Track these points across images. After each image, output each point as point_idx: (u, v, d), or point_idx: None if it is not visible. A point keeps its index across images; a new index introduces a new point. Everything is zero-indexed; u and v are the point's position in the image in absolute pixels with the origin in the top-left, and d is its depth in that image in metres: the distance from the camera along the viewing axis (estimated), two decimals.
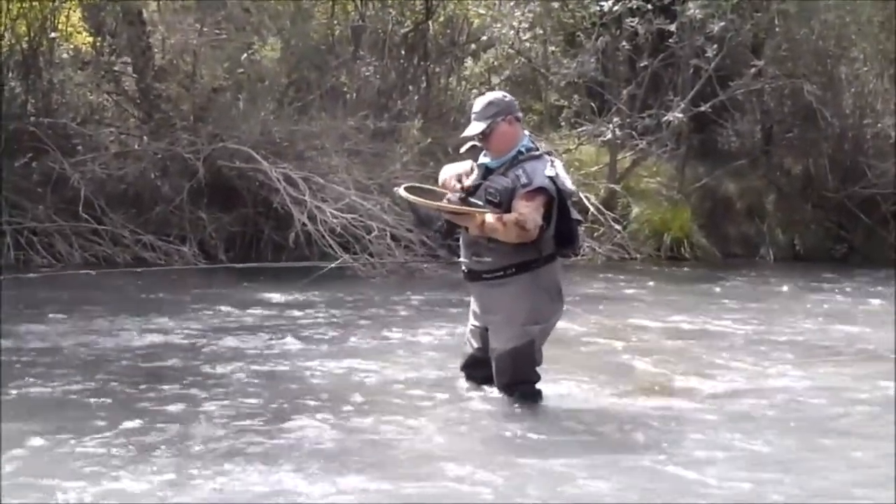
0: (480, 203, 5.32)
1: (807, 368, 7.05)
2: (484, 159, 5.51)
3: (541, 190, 5.27)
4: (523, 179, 5.28)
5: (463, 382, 5.83)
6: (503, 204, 5.29)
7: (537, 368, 5.58)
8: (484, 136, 5.43)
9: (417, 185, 5.96)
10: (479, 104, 5.50)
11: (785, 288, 11.80)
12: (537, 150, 5.46)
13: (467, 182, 5.46)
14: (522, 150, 5.42)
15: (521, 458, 4.78)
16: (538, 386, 5.61)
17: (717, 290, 11.54)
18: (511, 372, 5.50)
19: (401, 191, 5.53)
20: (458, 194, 5.36)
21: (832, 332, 8.75)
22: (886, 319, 9.29)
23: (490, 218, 5.26)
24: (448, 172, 5.64)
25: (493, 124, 5.39)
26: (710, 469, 4.67)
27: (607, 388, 6.17)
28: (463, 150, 5.67)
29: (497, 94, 5.66)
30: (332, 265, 6.19)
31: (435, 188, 5.71)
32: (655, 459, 4.79)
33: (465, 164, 5.61)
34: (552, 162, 5.39)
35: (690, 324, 8.91)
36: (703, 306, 10.04)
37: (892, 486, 4.43)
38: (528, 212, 5.22)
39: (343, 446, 4.86)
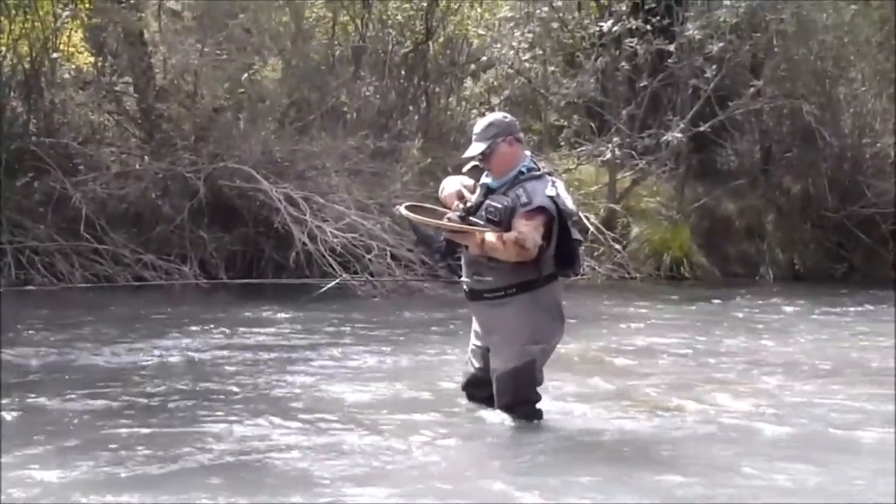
0: (481, 222, 5.34)
1: (805, 387, 7.06)
2: (486, 179, 5.53)
3: (541, 209, 5.29)
4: (523, 199, 5.30)
5: (464, 402, 5.83)
6: (503, 223, 5.30)
7: (538, 388, 5.58)
8: (484, 156, 5.45)
9: (418, 203, 5.99)
10: (479, 125, 5.53)
11: (786, 308, 11.80)
12: (538, 170, 5.48)
13: (469, 201, 5.48)
14: (523, 170, 5.44)
15: (521, 476, 4.79)
16: (539, 405, 5.61)
17: (718, 309, 11.55)
18: (512, 392, 5.50)
19: (401, 209, 5.56)
20: (458, 213, 5.39)
21: (830, 352, 8.76)
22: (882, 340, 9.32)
23: (490, 236, 5.28)
24: (450, 185, 5.65)
25: (493, 145, 5.42)
26: (710, 487, 4.68)
27: (608, 408, 6.17)
28: (465, 170, 5.70)
29: (497, 116, 5.68)
30: (331, 283, 6.18)
31: (436, 207, 5.74)
32: (656, 478, 4.79)
33: (467, 180, 5.63)
34: (553, 182, 5.41)
35: (690, 343, 8.91)
36: (703, 326, 10.05)
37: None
38: (528, 231, 5.24)
39: (338, 465, 4.87)
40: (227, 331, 8.63)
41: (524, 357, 5.45)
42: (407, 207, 5.57)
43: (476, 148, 5.45)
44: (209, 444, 5.11)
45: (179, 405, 5.95)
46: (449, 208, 5.52)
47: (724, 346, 8.80)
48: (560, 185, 5.45)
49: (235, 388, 6.42)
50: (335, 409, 5.98)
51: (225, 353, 7.63)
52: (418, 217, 5.51)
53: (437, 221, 5.44)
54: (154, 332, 8.46)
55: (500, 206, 5.33)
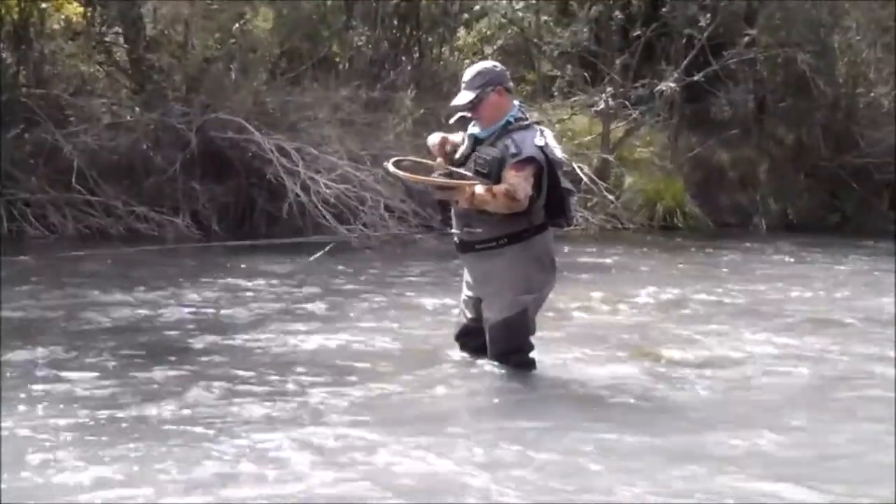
0: (470, 174, 5.33)
1: (793, 337, 7.10)
2: (473, 129, 5.51)
3: (530, 160, 5.28)
4: (512, 149, 5.29)
5: (457, 352, 5.86)
6: (493, 175, 5.29)
7: (531, 338, 5.61)
8: (472, 105, 5.42)
9: (407, 158, 5.94)
10: (468, 74, 5.51)
11: (776, 257, 11.84)
12: (526, 119, 5.46)
13: (457, 154, 5.47)
14: (511, 119, 5.42)
15: (513, 424, 4.83)
16: (532, 355, 5.64)
17: (710, 259, 11.57)
18: (504, 341, 5.52)
19: (389, 166, 5.53)
20: (441, 172, 5.36)
21: (821, 301, 8.81)
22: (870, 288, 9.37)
23: (480, 189, 5.27)
24: (434, 142, 5.61)
25: (482, 94, 5.39)
26: (704, 435, 4.72)
27: (600, 357, 6.21)
28: (452, 120, 5.68)
29: (487, 64, 5.66)
30: (327, 248, 6.21)
31: (427, 161, 5.70)
32: (650, 424, 4.83)
33: (454, 137, 5.61)
34: (542, 131, 5.40)
35: (682, 293, 8.93)
36: (696, 276, 10.08)
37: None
38: (518, 182, 5.23)
39: (332, 414, 4.90)
40: (223, 283, 8.63)
41: (516, 307, 5.47)
42: (395, 163, 5.54)
43: (464, 97, 5.43)
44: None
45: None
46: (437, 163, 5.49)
47: (715, 296, 8.83)
48: (549, 134, 5.44)
49: (221, 342, 6.45)
50: (327, 360, 6.00)
51: (213, 305, 7.65)
52: (406, 175, 5.49)
53: (425, 178, 5.41)
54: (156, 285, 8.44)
55: (489, 157, 5.32)
